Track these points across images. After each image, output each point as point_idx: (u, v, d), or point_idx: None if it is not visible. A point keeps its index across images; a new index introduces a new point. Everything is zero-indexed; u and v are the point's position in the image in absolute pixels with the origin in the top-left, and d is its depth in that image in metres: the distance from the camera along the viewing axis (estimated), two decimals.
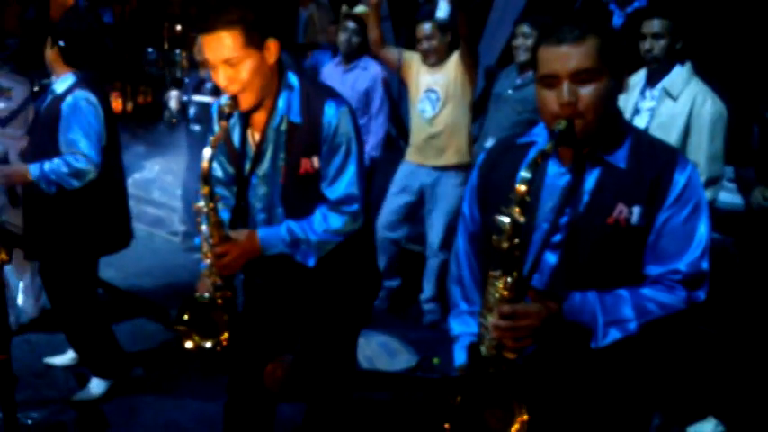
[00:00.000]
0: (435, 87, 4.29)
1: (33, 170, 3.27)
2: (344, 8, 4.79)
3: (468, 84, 4.28)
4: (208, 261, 2.25)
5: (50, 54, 3.42)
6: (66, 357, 3.96)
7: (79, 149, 3.26)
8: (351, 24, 4.67)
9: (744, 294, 3.21)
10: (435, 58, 4.29)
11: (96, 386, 3.64)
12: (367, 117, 4.71)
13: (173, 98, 5.98)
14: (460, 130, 4.34)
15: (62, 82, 3.39)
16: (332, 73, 4.83)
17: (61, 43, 3.37)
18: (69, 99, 3.30)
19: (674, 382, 3.15)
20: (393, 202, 4.56)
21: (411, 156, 4.49)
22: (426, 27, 4.24)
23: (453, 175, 4.34)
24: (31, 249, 3.67)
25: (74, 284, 3.50)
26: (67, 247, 3.42)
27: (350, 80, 4.69)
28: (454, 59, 4.26)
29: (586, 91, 1.62)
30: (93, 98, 3.35)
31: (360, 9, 4.73)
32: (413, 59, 4.45)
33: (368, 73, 4.70)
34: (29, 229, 3.57)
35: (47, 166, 3.25)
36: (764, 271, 3.14)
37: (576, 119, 1.62)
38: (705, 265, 1.69)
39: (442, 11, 4.19)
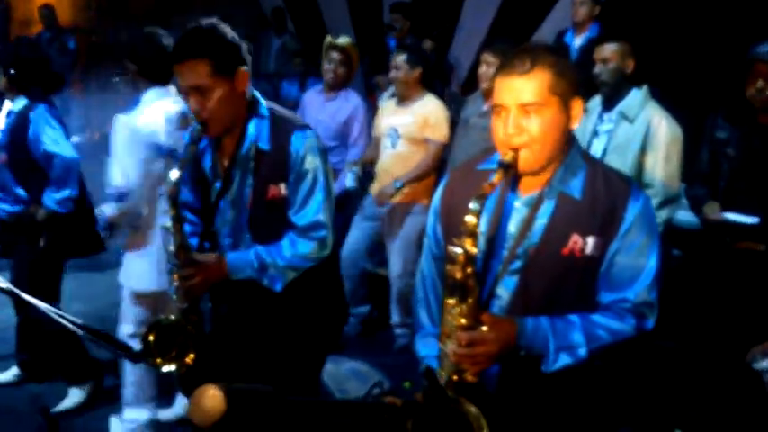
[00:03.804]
0: (398, 127, 4.35)
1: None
2: (329, 38, 4.77)
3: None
4: (175, 284, 2.24)
5: (3, 81, 3.63)
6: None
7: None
8: (335, 55, 4.63)
9: (701, 308, 3.30)
10: (402, 88, 4.36)
11: (74, 395, 3.67)
12: (344, 148, 4.74)
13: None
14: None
15: (18, 102, 3.60)
16: (313, 100, 4.82)
17: (12, 71, 3.56)
18: (36, 110, 3.54)
19: (638, 397, 3.21)
20: (357, 230, 4.59)
21: (374, 186, 4.55)
22: (399, 58, 4.31)
23: (412, 203, 4.40)
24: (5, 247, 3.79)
25: (43, 286, 3.51)
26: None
27: (331, 109, 4.68)
28: (422, 104, 4.33)
29: (533, 123, 1.66)
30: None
31: (343, 40, 4.74)
32: (384, 103, 4.55)
33: (349, 104, 4.69)
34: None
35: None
36: (719, 286, 3.22)
37: (523, 149, 1.66)
38: (653, 295, 1.73)
39: (349, 180, 4.47)
